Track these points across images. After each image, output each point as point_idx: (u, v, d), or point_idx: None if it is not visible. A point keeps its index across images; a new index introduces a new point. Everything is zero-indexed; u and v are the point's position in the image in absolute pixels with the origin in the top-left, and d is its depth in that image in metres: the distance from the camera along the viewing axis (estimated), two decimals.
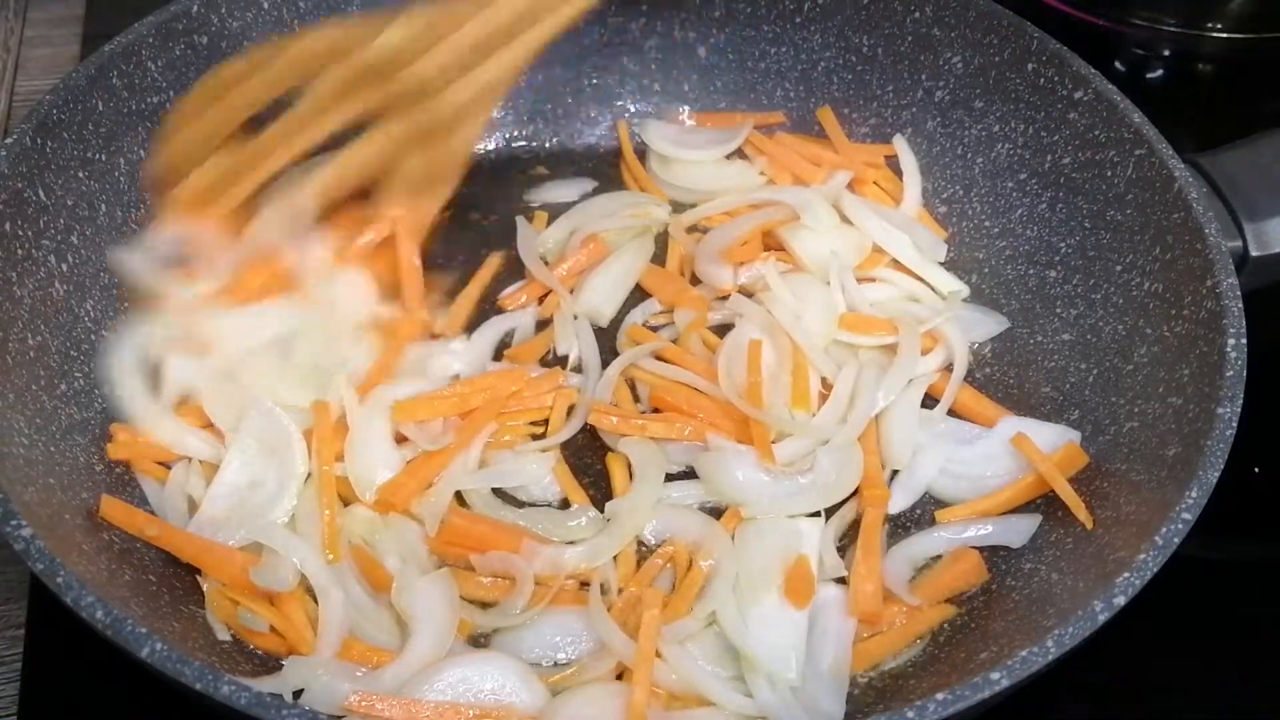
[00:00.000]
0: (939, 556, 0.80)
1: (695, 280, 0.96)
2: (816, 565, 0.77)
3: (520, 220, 1.00)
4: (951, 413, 0.87)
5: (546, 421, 0.87)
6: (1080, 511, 0.77)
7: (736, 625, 0.73)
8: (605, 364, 0.90)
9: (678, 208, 1.01)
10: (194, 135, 0.85)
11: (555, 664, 0.74)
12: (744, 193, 1.00)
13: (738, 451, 0.82)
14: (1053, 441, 0.82)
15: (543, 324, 0.94)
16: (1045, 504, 0.80)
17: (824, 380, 0.88)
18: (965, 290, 0.94)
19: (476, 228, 1.01)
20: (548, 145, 1.08)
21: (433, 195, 0.91)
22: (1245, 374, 0.71)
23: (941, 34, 0.97)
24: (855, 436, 0.83)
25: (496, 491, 0.82)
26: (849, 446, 0.83)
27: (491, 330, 0.92)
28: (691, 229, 0.99)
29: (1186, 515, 0.65)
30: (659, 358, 0.89)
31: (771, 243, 0.97)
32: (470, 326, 0.93)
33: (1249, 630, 0.81)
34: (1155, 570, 0.63)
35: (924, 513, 0.83)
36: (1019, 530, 0.80)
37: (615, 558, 0.78)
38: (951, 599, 0.77)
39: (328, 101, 0.83)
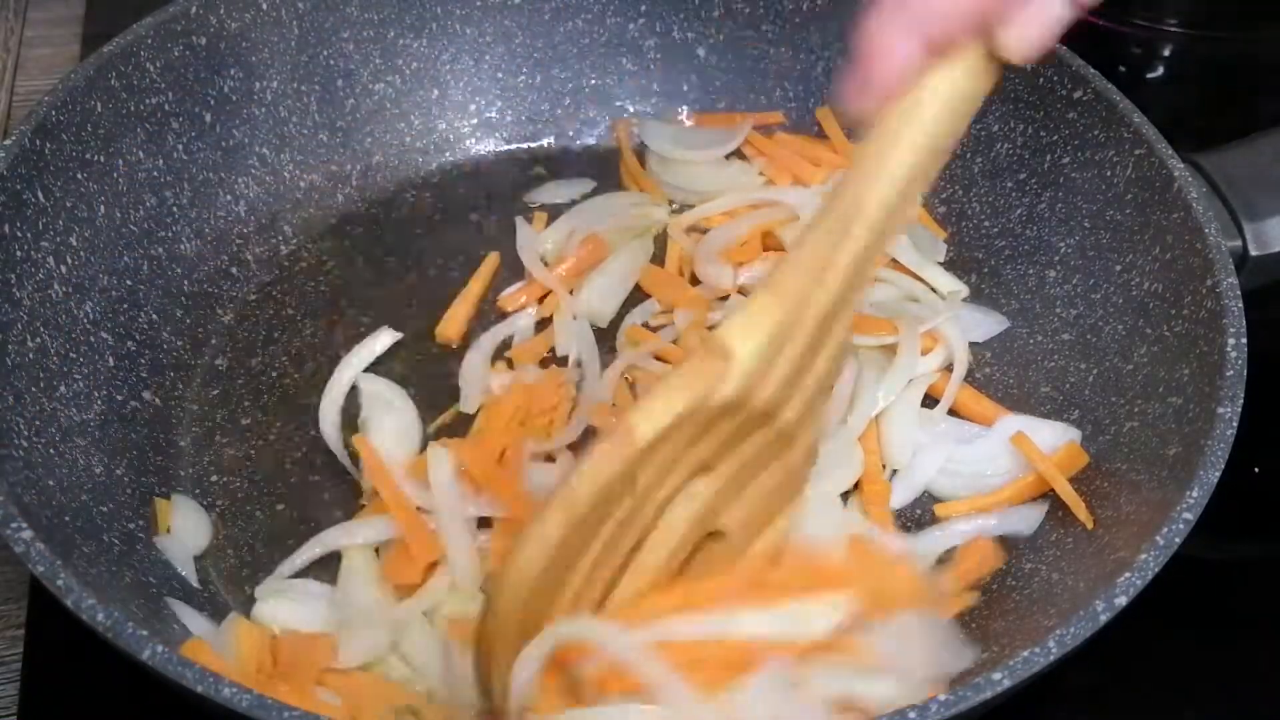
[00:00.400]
0: (952, 549, 0.80)
1: (695, 280, 0.96)
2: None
3: (519, 220, 1.00)
4: (951, 412, 0.87)
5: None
6: (1080, 511, 0.77)
7: None
8: (605, 365, 0.90)
9: (677, 208, 1.02)
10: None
11: None
12: (744, 193, 1.00)
13: None
14: (1052, 440, 0.82)
15: (541, 324, 0.94)
16: (1046, 503, 0.80)
17: None
18: (965, 290, 0.94)
19: (475, 228, 1.01)
20: (546, 146, 1.08)
21: (780, 514, 0.70)
22: (1245, 374, 0.71)
23: None
24: (855, 436, 0.83)
25: None
26: (849, 446, 0.83)
27: (489, 340, 0.92)
28: (691, 229, 0.99)
29: (1187, 515, 0.65)
30: (658, 358, 0.89)
31: (771, 243, 0.97)
32: (470, 328, 0.93)
33: (1250, 630, 0.81)
34: (1156, 570, 0.63)
35: (924, 512, 0.83)
36: (1027, 518, 0.80)
37: None
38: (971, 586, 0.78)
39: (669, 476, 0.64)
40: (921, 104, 0.62)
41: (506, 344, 0.92)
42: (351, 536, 0.79)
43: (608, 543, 0.64)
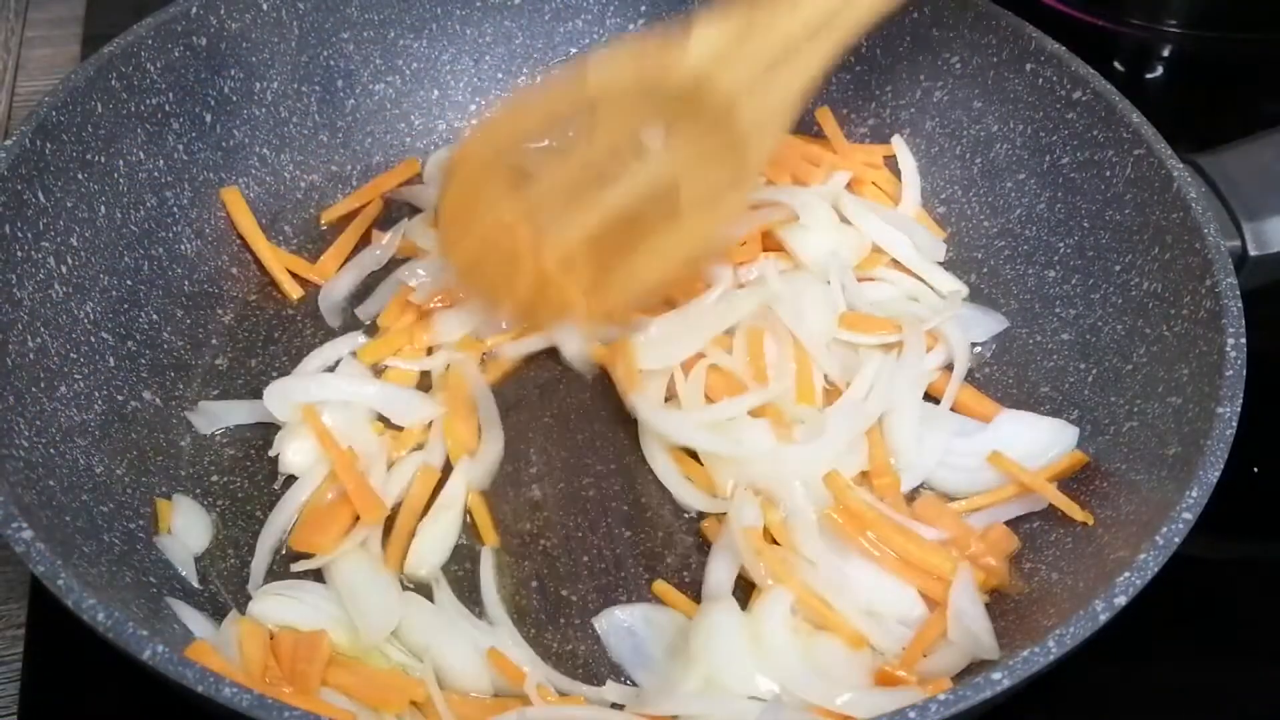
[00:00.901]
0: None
1: None
2: None
3: None
4: (951, 410, 0.87)
5: None
6: (1074, 512, 0.77)
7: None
8: None
9: None
10: (473, 186, 0.77)
11: None
12: None
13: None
14: (1049, 438, 0.83)
15: None
16: (1045, 504, 0.80)
17: (826, 377, 0.88)
18: (964, 290, 0.94)
19: None
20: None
21: (714, 223, 0.80)
22: (1245, 373, 0.71)
23: (940, 34, 0.97)
24: (864, 429, 0.84)
25: None
26: (858, 438, 0.83)
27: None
28: None
29: (1187, 515, 0.65)
30: None
31: (771, 243, 0.97)
32: None
33: (1250, 630, 0.81)
34: (1156, 570, 0.63)
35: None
36: (1036, 498, 0.80)
37: None
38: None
39: (617, 127, 0.75)
40: None
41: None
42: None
43: (563, 169, 0.76)
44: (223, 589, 0.78)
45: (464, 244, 0.80)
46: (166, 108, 0.91)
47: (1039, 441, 0.83)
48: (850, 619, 0.74)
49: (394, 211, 1.01)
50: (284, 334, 0.93)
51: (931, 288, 0.94)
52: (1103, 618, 0.61)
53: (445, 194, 0.80)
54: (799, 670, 0.72)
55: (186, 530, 0.80)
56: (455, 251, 0.82)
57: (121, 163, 0.88)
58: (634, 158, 0.76)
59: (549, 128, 0.76)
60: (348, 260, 0.97)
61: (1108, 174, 0.86)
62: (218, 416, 0.87)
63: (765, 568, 0.76)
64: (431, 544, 0.80)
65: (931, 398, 0.87)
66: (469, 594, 0.78)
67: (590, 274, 0.79)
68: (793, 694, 0.70)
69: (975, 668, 0.72)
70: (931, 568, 0.76)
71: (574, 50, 1.06)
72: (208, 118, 0.94)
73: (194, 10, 0.91)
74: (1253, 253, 0.80)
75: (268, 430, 0.86)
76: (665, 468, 0.84)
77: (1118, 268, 0.85)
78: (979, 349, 0.92)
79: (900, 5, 0.76)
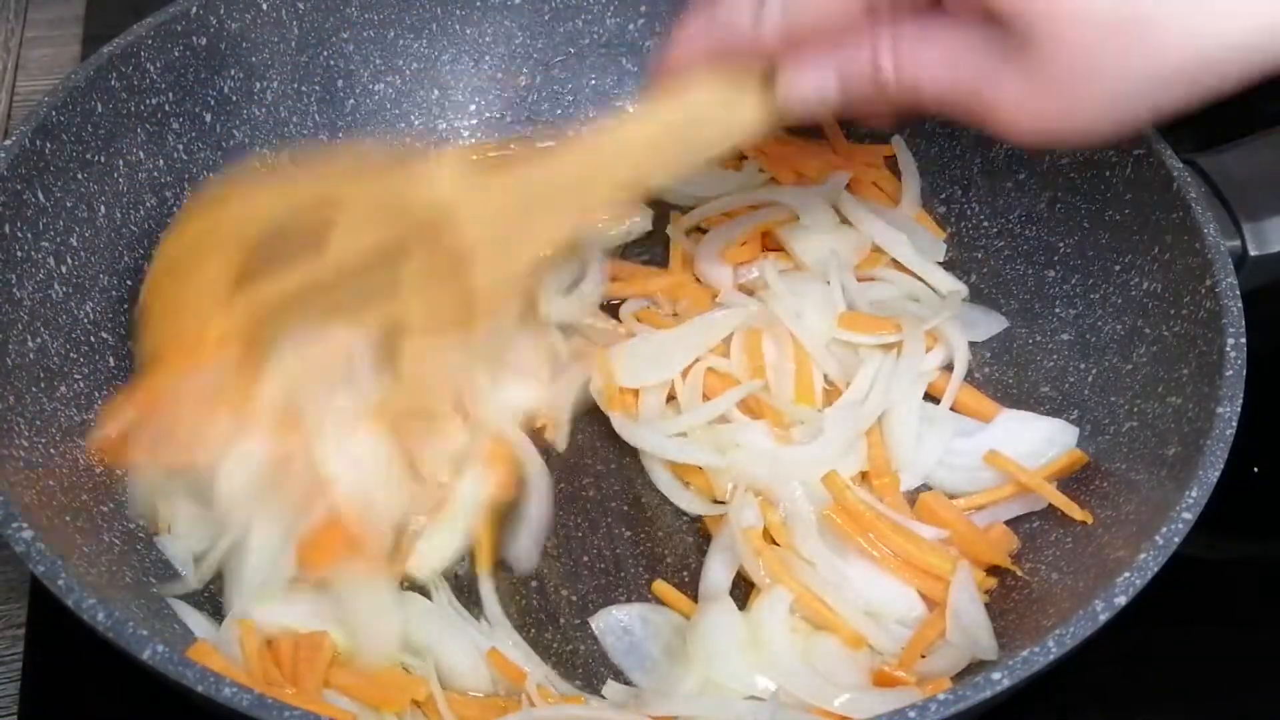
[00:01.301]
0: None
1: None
2: None
3: None
4: (951, 410, 0.87)
5: None
6: (1074, 512, 0.77)
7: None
8: None
9: (677, 209, 1.02)
10: (192, 277, 0.72)
11: None
12: (744, 193, 1.00)
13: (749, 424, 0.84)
14: (1049, 437, 0.83)
15: None
16: (1044, 504, 0.80)
17: (826, 377, 0.88)
18: (964, 290, 0.94)
19: None
20: (544, 147, 1.07)
21: (431, 370, 0.75)
22: (1244, 373, 0.71)
23: None
24: (864, 429, 0.84)
25: None
26: (857, 438, 0.83)
27: None
28: (691, 230, 0.99)
29: (1187, 515, 0.65)
30: None
31: (771, 243, 0.97)
32: None
33: (1250, 630, 0.81)
34: (1156, 570, 0.63)
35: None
36: (1035, 497, 0.80)
37: None
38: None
39: (351, 244, 0.70)
40: (684, 104, 0.70)
41: None
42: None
43: (289, 275, 0.71)
44: (223, 589, 0.78)
45: (165, 303, 0.74)
46: (166, 108, 0.91)
47: (1038, 441, 0.83)
48: (849, 619, 0.74)
49: None
50: None
51: (931, 288, 0.94)
52: (1103, 618, 0.61)
53: (158, 262, 0.75)
54: (797, 670, 0.72)
55: (187, 530, 0.79)
56: (151, 328, 0.75)
57: (121, 162, 0.88)
58: (364, 277, 0.71)
59: (285, 217, 0.71)
60: None
61: (1108, 174, 0.86)
62: None
63: (764, 567, 0.76)
64: (436, 549, 0.79)
65: (931, 398, 0.87)
66: (468, 594, 0.78)
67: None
68: (791, 694, 0.70)
69: (975, 668, 0.72)
70: (931, 568, 0.76)
71: (574, 51, 1.06)
72: (208, 118, 0.94)
73: (194, 10, 0.91)
74: (1253, 253, 0.80)
75: None
76: (661, 475, 0.84)
77: (1117, 268, 0.85)
78: (979, 348, 0.92)
79: (640, 193, 0.75)
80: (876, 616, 0.75)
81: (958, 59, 0.63)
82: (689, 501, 0.83)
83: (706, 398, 0.86)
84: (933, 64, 0.64)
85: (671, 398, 0.88)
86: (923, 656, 0.74)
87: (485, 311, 0.72)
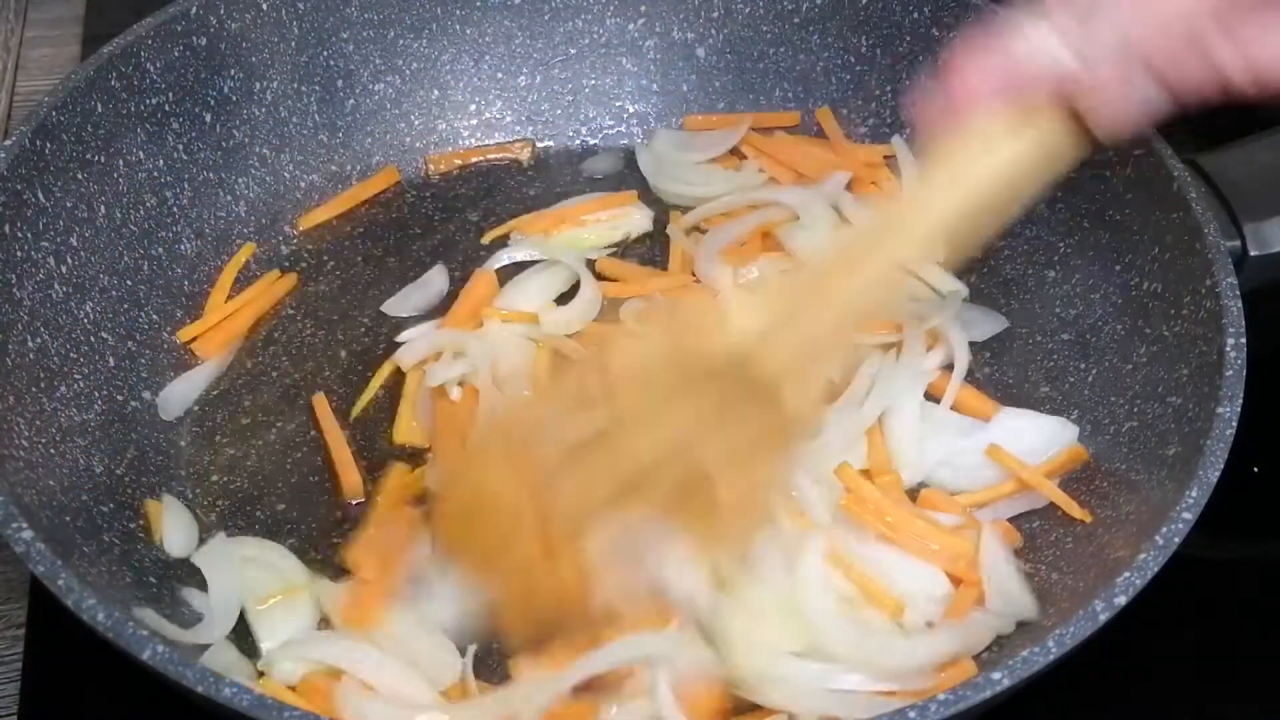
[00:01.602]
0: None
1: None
2: None
3: None
4: (951, 409, 0.87)
5: None
6: (1073, 510, 0.77)
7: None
8: None
9: (677, 209, 1.02)
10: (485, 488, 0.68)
11: None
12: (744, 193, 1.00)
13: None
14: (1049, 435, 0.83)
15: None
16: (1044, 505, 0.80)
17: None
18: (964, 290, 0.94)
19: (475, 228, 1.01)
20: (547, 146, 1.08)
21: (756, 512, 0.71)
22: (1245, 373, 0.71)
23: (940, 34, 0.97)
24: (865, 428, 0.84)
25: None
26: (858, 437, 0.83)
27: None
28: (691, 230, 0.99)
29: (1187, 515, 0.65)
30: None
31: (771, 243, 0.97)
32: None
33: (1251, 630, 0.81)
34: (1156, 570, 0.63)
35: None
36: (1035, 495, 0.80)
37: None
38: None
39: (645, 413, 0.65)
40: (983, 156, 0.61)
41: None
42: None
43: (578, 450, 0.65)
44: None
45: (459, 521, 0.71)
46: (166, 108, 0.91)
47: (1038, 439, 0.83)
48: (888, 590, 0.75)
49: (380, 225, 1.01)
50: (282, 334, 0.93)
51: (931, 288, 0.94)
52: (1102, 618, 0.61)
53: (448, 492, 0.72)
54: (836, 623, 0.72)
55: (172, 535, 0.79)
56: (448, 525, 0.72)
57: (121, 162, 0.88)
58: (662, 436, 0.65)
59: (569, 416, 0.66)
60: None
61: (1108, 174, 0.86)
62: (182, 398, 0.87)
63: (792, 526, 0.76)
64: None
65: (932, 398, 0.87)
66: None
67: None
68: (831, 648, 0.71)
69: (983, 665, 0.72)
70: (952, 547, 0.76)
71: (573, 50, 1.06)
72: (207, 118, 0.94)
73: (194, 10, 0.91)
74: (1253, 253, 0.80)
75: (265, 430, 0.86)
76: None
77: (1118, 268, 0.85)
78: (979, 348, 0.92)
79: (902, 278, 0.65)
80: (906, 596, 0.75)
81: None
82: None
83: None
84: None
85: None
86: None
87: (795, 434, 0.67)
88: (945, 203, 0.62)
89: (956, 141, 0.61)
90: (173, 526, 0.79)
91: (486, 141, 1.06)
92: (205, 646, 0.72)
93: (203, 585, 0.76)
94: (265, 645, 0.74)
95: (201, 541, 0.79)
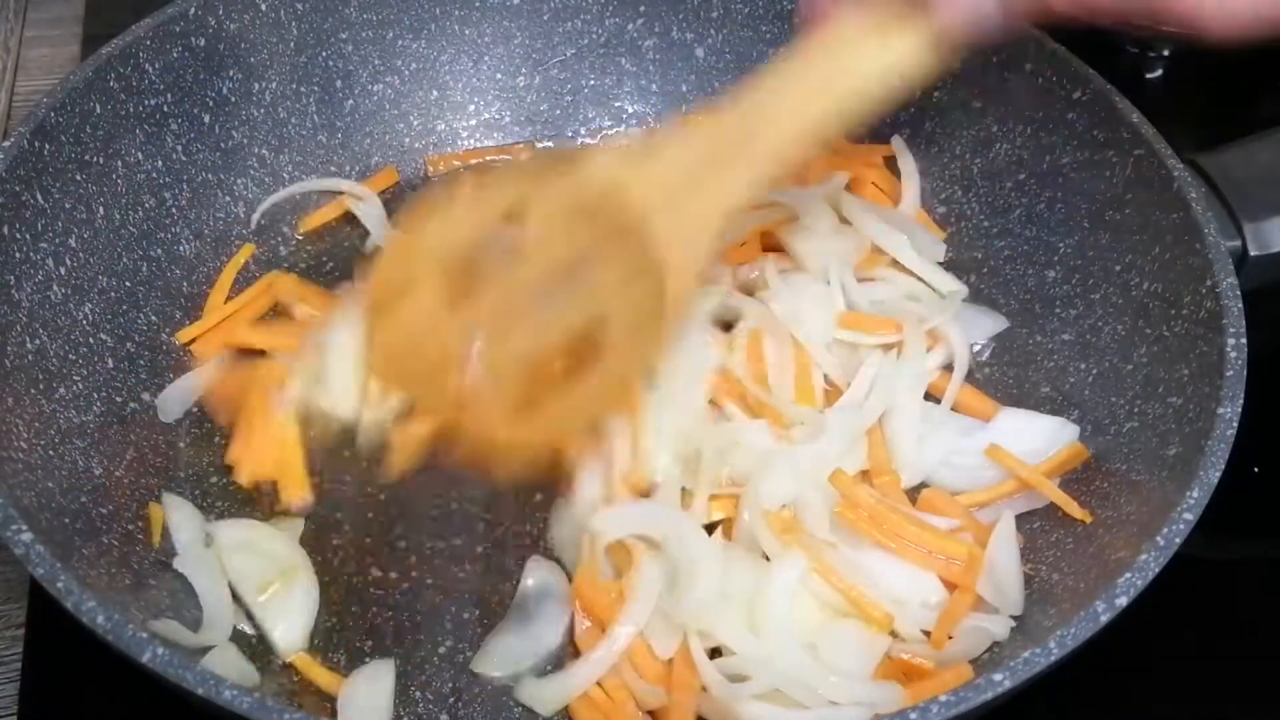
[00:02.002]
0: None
1: None
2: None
3: None
4: (951, 410, 0.87)
5: None
6: (1073, 509, 0.77)
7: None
8: None
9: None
10: (399, 270, 0.75)
11: None
12: None
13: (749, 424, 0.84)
14: (1049, 435, 0.83)
15: None
16: (1044, 506, 0.80)
17: (826, 377, 0.88)
18: (964, 290, 0.94)
19: None
20: (544, 147, 1.07)
21: (641, 355, 0.75)
22: (1245, 374, 0.71)
23: None
24: (865, 428, 0.84)
25: None
26: (859, 437, 0.83)
27: None
28: None
29: (1188, 515, 0.65)
30: None
31: (770, 243, 0.96)
32: None
33: (1251, 631, 0.81)
34: (1157, 570, 0.63)
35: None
36: (1036, 495, 0.81)
37: None
38: None
39: (544, 243, 0.72)
40: (844, 58, 0.67)
41: None
42: None
43: (496, 285, 0.72)
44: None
45: (388, 340, 0.77)
46: (165, 108, 0.91)
47: (1039, 439, 0.83)
48: (875, 599, 0.74)
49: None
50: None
51: (931, 288, 0.94)
52: (1104, 619, 0.61)
53: (373, 284, 0.77)
54: (788, 645, 0.72)
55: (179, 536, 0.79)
56: (378, 345, 0.78)
57: (120, 164, 0.88)
58: (565, 284, 0.72)
59: (479, 232, 0.73)
60: None
61: (1108, 174, 0.86)
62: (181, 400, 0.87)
63: (779, 540, 0.76)
64: None
65: (932, 398, 0.87)
66: None
67: (513, 397, 0.74)
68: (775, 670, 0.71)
69: (977, 669, 0.72)
70: (948, 552, 0.76)
71: (573, 51, 1.06)
72: (206, 118, 0.94)
73: (192, 11, 0.91)
74: (1253, 253, 0.80)
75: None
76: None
77: (1118, 268, 0.85)
78: (979, 349, 0.92)
79: (818, 133, 0.71)
80: (899, 603, 0.75)
81: None
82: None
83: (713, 402, 0.86)
84: None
85: None
86: (949, 638, 0.74)
87: (673, 273, 0.71)
88: (802, 83, 0.68)
89: (819, 44, 0.68)
90: (182, 529, 0.79)
91: (486, 142, 1.06)
92: (209, 648, 0.72)
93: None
94: (276, 635, 0.74)
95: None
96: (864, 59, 0.67)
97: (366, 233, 0.99)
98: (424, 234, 0.75)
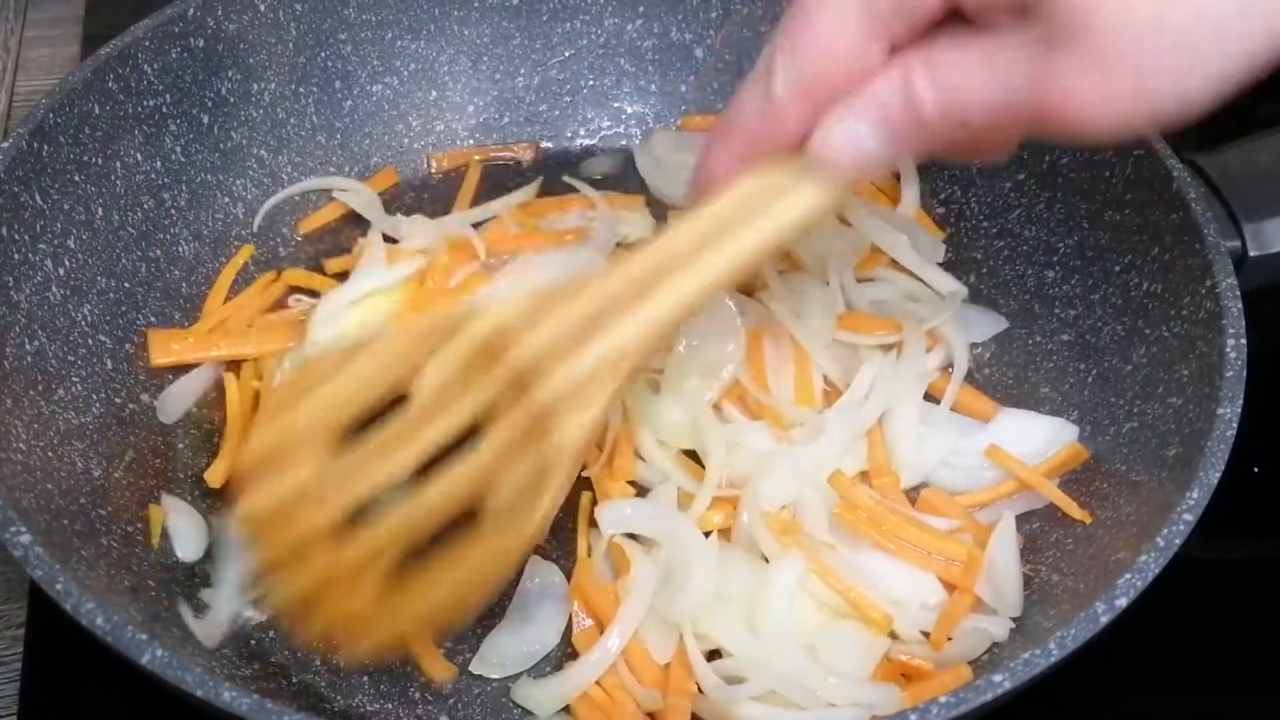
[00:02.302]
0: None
1: None
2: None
3: None
4: (951, 411, 0.87)
5: None
6: (1072, 510, 0.77)
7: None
8: None
9: (677, 209, 1.01)
10: (277, 439, 0.70)
11: None
12: None
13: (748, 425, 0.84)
14: (1049, 436, 0.83)
15: None
16: (1043, 507, 0.81)
17: (826, 378, 0.88)
18: (964, 291, 0.94)
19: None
20: (545, 147, 1.07)
21: (530, 513, 0.69)
22: (1245, 374, 0.71)
23: None
24: (865, 429, 0.84)
25: None
26: (858, 438, 0.83)
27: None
28: None
29: (1188, 516, 0.65)
30: None
31: None
32: None
33: (1251, 631, 0.81)
34: (1157, 571, 0.63)
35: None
36: (1035, 495, 0.81)
37: None
38: None
39: (434, 398, 0.68)
40: (734, 199, 0.65)
41: None
42: None
43: (378, 441, 0.68)
44: None
45: (260, 504, 0.70)
46: (164, 109, 0.91)
47: (1038, 439, 0.83)
48: (874, 600, 0.74)
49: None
50: None
51: (931, 288, 0.94)
52: (1103, 619, 0.61)
53: (250, 449, 0.71)
54: (786, 646, 0.72)
55: (180, 538, 0.79)
56: (248, 505, 0.70)
57: (119, 164, 0.88)
58: (452, 450, 0.68)
59: (366, 397, 0.69)
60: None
61: (1107, 174, 0.86)
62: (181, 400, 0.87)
63: (778, 540, 0.76)
64: None
65: (932, 398, 0.87)
66: None
67: (383, 572, 0.68)
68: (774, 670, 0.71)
69: (976, 670, 0.72)
70: (947, 553, 0.76)
71: (572, 51, 1.06)
72: (205, 119, 0.94)
73: (191, 11, 0.91)
74: (1252, 253, 0.80)
75: None
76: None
77: (1117, 268, 0.85)
78: (979, 349, 0.92)
79: (710, 296, 0.68)
80: (899, 604, 0.75)
81: (1001, 64, 0.55)
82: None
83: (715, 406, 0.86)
84: (975, 77, 0.56)
85: None
86: (949, 639, 0.74)
87: (562, 425, 0.66)
88: (697, 236, 0.65)
89: (717, 202, 0.65)
90: (183, 531, 0.79)
91: (485, 142, 1.06)
92: (209, 648, 0.72)
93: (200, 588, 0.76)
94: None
95: (211, 544, 0.79)
96: (763, 213, 0.65)
97: (365, 233, 0.99)
98: (307, 400, 0.70)
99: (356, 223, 1.00)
